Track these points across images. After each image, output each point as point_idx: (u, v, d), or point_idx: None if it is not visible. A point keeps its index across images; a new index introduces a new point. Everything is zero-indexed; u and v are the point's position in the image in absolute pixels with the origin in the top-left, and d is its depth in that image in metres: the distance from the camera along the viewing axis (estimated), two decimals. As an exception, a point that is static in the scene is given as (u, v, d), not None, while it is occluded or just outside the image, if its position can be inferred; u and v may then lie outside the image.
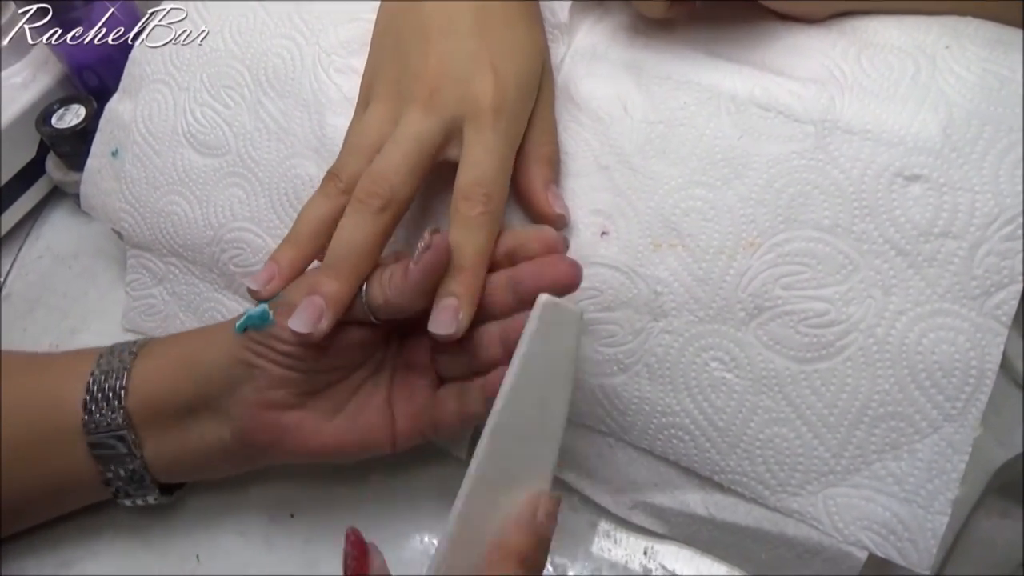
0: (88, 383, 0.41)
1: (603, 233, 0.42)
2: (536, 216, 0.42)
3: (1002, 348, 0.37)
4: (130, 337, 0.50)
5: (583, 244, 0.42)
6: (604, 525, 0.46)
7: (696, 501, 0.43)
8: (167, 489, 0.45)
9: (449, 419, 0.40)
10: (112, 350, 0.43)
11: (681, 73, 0.43)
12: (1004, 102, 0.38)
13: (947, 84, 0.39)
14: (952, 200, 0.37)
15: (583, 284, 0.41)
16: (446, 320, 0.36)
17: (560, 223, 0.42)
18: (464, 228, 0.38)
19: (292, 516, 0.47)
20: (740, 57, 0.43)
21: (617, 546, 0.45)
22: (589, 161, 0.43)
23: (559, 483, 0.47)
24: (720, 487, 0.42)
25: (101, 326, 0.56)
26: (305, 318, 0.37)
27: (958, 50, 0.40)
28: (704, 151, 0.41)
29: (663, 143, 0.42)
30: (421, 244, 0.36)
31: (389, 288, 0.37)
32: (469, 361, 0.39)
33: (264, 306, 0.39)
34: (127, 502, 0.44)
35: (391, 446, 0.42)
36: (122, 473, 0.42)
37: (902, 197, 0.38)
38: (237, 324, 0.39)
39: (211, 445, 0.42)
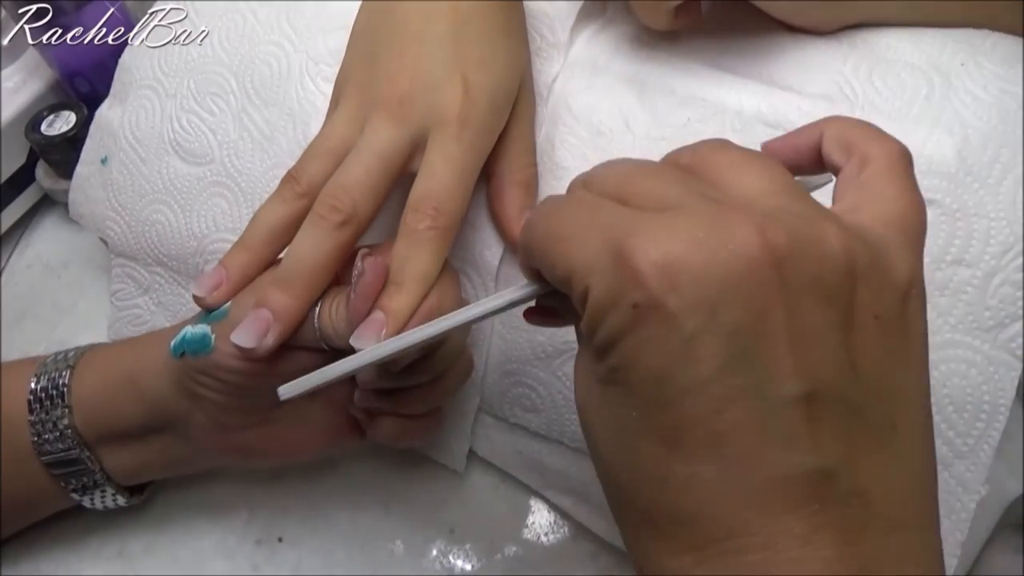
0: (29, 400, 0.40)
1: (602, 253, 0.40)
2: (510, 244, 0.41)
3: (1016, 382, 0.35)
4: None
5: (581, 264, 0.40)
6: (604, 557, 0.44)
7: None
8: (135, 489, 0.44)
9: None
10: (47, 364, 0.41)
11: (685, 88, 0.42)
12: (1022, 124, 0.37)
13: (962, 104, 0.38)
14: (966, 227, 0.36)
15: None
16: (368, 336, 0.34)
17: None
18: (407, 242, 0.36)
19: (280, 540, 0.46)
20: (746, 71, 0.42)
21: (615, 576, 0.44)
22: (588, 178, 0.41)
23: (556, 510, 0.45)
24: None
25: (91, 337, 0.54)
26: (251, 332, 0.35)
27: (974, 68, 0.39)
28: (708, 170, 0.39)
29: (665, 161, 0.40)
30: (355, 272, 0.34)
31: (336, 319, 0.35)
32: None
33: (205, 328, 0.37)
34: (98, 506, 0.43)
35: (361, 438, 0.41)
36: (85, 482, 0.41)
37: (914, 222, 0.36)
38: (172, 345, 0.37)
39: (173, 457, 0.41)
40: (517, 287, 0.29)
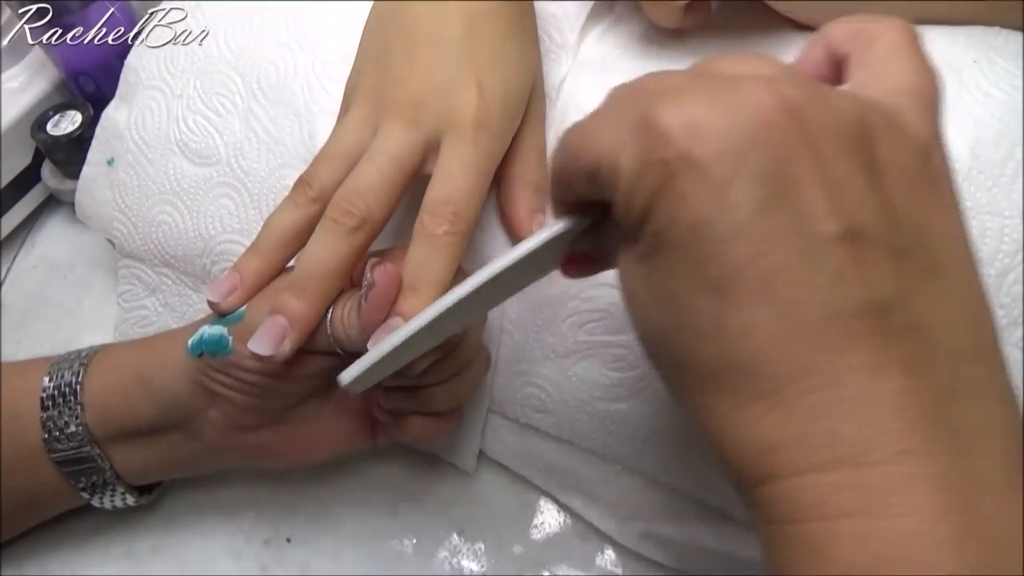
0: (42, 398, 0.40)
1: (612, 253, 0.40)
2: None
3: (1031, 383, 0.35)
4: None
5: (591, 264, 0.40)
6: (612, 557, 0.44)
7: (707, 533, 0.41)
8: (144, 488, 0.44)
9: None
10: (61, 362, 0.41)
11: (694, 86, 0.41)
12: (1036, 121, 0.37)
13: (975, 101, 0.37)
14: (979, 225, 0.35)
15: (592, 306, 0.40)
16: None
17: None
18: (424, 246, 0.35)
19: (288, 541, 0.45)
20: (756, 69, 0.42)
21: (626, 577, 0.44)
22: (597, 177, 0.41)
23: (566, 510, 0.45)
24: (732, 519, 0.40)
25: (96, 337, 0.54)
26: (267, 339, 0.35)
27: (987, 64, 0.38)
28: (718, 169, 0.39)
29: (675, 160, 0.40)
30: (365, 282, 0.34)
31: (348, 325, 0.35)
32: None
33: (221, 329, 0.37)
34: (107, 506, 0.43)
35: (371, 441, 0.42)
36: (95, 481, 0.41)
37: (926, 221, 0.36)
38: (190, 344, 0.37)
39: (184, 457, 0.41)
40: (546, 228, 0.29)
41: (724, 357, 0.23)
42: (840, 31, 0.27)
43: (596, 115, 0.26)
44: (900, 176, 0.23)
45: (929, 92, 0.25)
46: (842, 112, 0.23)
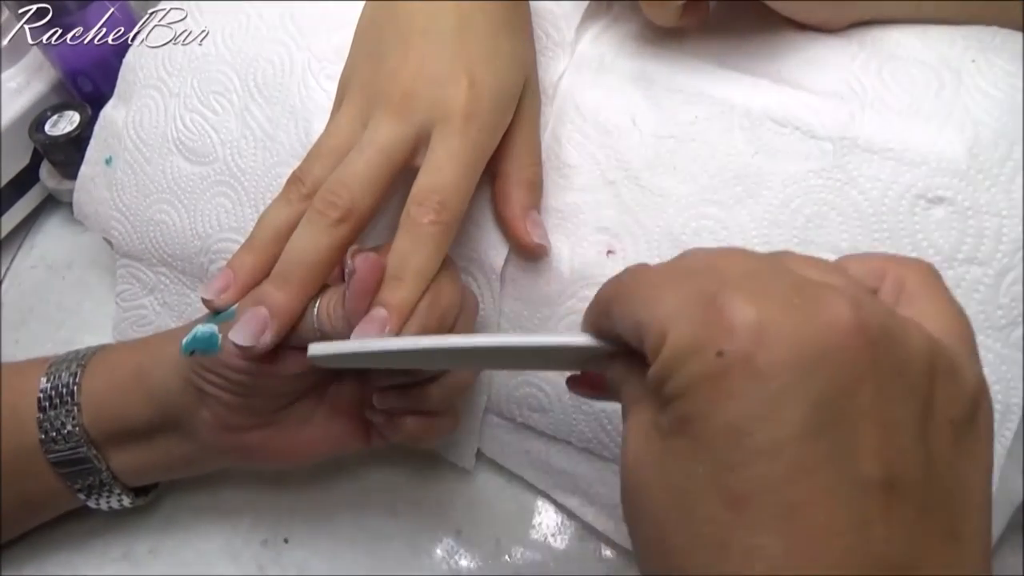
0: (39, 399, 0.40)
1: (609, 252, 0.40)
2: (515, 244, 0.40)
3: (1029, 382, 0.35)
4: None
5: (588, 263, 0.40)
6: (610, 557, 0.44)
7: (704, 534, 0.41)
8: (141, 490, 0.44)
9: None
10: (59, 363, 0.41)
11: (693, 85, 0.41)
12: (1034, 120, 0.37)
13: (973, 101, 0.37)
14: (978, 225, 0.35)
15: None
16: (371, 333, 0.33)
17: (539, 252, 0.40)
18: (410, 236, 0.35)
19: (286, 541, 0.45)
20: (755, 69, 0.42)
21: (622, 577, 0.44)
22: (595, 176, 0.41)
23: (563, 510, 0.45)
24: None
25: (95, 338, 0.53)
26: (248, 331, 0.35)
27: (985, 64, 0.38)
28: (716, 168, 0.39)
29: (673, 159, 0.40)
30: (347, 270, 0.34)
31: (334, 317, 0.35)
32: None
33: (212, 327, 0.37)
34: (104, 508, 0.43)
35: (366, 444, 0.41)
36: (92, 482, 0.41)
37: (925, 220, 0.36)
38: (183, 343, 0.37)
39: (179, 457, 0.41)
40: (569, 334, 0.28)
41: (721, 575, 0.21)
42: (860, 267, 0.26)
43: (663, 272, 0.25)
44: (947, 428, 0.22)
45: (971, 336, 0.25)
46: (913, 349, 0.22)
